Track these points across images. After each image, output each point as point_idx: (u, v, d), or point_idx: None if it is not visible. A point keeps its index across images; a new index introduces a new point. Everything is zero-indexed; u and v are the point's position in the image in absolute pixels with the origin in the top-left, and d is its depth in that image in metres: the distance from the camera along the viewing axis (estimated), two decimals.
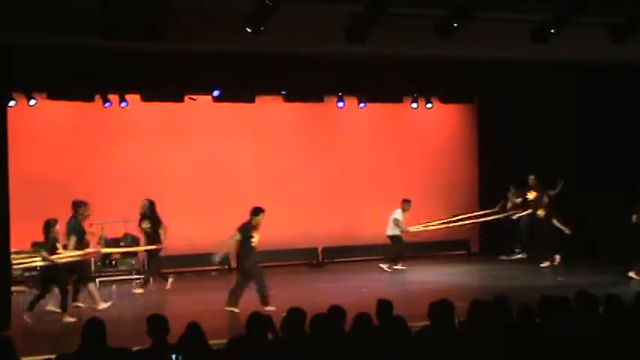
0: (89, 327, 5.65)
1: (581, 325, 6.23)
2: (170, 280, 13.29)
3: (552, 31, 10.35)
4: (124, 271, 14.47)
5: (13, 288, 11.61)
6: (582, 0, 9.94)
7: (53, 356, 5.66)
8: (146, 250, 13.50)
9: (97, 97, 14.06)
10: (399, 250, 15.22)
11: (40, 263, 11.26)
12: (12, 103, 13.06)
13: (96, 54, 10.85)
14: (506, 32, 10.72)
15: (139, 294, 13.00)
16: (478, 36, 10.33)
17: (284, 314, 6.11)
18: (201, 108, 14.85)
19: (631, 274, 13.08)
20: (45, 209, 13.07)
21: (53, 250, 11.11)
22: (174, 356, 5.64)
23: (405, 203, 15.25)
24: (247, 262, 11.35)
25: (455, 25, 9.93)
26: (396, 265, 15.11)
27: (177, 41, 9.70)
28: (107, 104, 14.39)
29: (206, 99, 14.05)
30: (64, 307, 10.92)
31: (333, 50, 11.20)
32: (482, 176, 17.28)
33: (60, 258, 11.15)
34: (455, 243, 17.27)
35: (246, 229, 11.31)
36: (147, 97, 13.78)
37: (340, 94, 15.46)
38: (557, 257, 15.03)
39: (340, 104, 15.84)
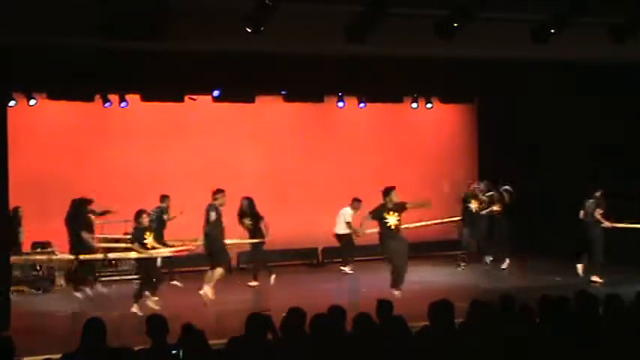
0: (89, 327, 5.64)
1: (581, 325, 6.23)
2: (273, 275, 13.51)
3: (552, 31, 10.33)
4: (124, 271, 14.44)
5: (12, 288, 11.62)
6: (582, 0, 9.94)
7: (53, 356, 5.65)
8: (251, 245, 13.83)
9: (97, 97, 14.08)
10: (348, 250, 14.94)
11: (134, 256, 11.71)
12: (12, 103, 13.08)
13: (96, 54, 10.84)
14: (506, 32, 10.70)
15: (254, 286, 13.44)
16: (478, 36, 10.32)
17: (284, 314, 6.11)
18: (201, 108, 14.85)
19: (594, 277, 12.79)
20: (45, 209, 13.12)
21: (143, 242, 11.45)
22: (174, 352, 5.63)
23: (355, 202, 14.71)
24: (387, 243, 11.37)
25: (455, 25, 9.92)
26: (345, 266, 14.84)
27: (177, 41, 9.69)
28: (107, 104, 14.41)
29: (206, 99, 14.06)
30: (137, 296, 11.17)
31: (333, 50, 11.19)
32: (482, 176, 17.24)
33: (157, 252, 11.75)
34: (454, 243, 17.23)
35: (378, 211, 11.45)
36: (147, 97, 13.79)
37: (340, 94, 15.47)
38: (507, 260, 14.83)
39: (340, 104, 15.85)
